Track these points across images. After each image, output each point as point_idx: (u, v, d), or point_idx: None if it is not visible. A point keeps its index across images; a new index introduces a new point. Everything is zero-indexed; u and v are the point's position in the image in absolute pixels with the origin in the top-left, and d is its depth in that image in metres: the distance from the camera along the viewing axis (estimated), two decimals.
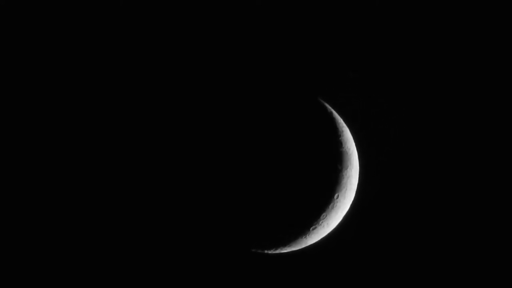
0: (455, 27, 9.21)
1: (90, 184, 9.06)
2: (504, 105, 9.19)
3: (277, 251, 7.80)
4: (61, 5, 8.94)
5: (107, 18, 9.02)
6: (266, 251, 7.84)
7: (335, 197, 7.26)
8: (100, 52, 9.05)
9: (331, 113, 7.59)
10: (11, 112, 8.98)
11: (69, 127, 9.00)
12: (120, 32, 9.04)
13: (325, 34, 9.16)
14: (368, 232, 9.24)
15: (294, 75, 8.97)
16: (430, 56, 9.27)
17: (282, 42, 9.02)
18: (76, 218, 9.08)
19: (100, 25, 9.02)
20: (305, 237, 7.48)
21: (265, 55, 9.02)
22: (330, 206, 7.26)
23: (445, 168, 9.31)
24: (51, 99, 9.01)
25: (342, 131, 7.52)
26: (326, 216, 7.31)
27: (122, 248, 9.20)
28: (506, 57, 9.19)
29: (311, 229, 7.35)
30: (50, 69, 9.04)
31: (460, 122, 9.28)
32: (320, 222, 7.34)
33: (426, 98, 9.32)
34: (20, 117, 8.98)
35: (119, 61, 9.05)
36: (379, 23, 9.22)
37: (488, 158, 9.23)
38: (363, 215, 8.89)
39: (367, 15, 9.18)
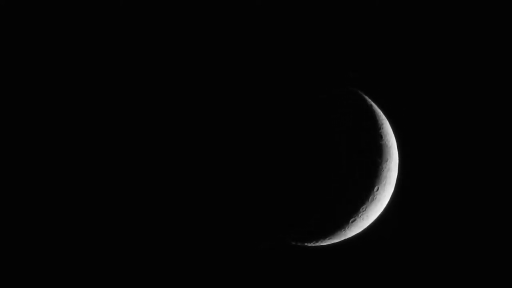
0: (454, 22, 9.15)
1: (93, 181, 9.07)
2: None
3: (317, 244, 7.85)
4: (61, 5, 8.99)
5: (106, 17, 9.05)
6: (306, 244, 7.89)
7: (375, 189, 7.28)
8: (101, 51, 9.06)
9: (371, 105, 7.61)
10: (11, 112, 9.04)
11: (71, 126, 9.01)
12: (121, 32, 9.06)
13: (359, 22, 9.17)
14: (407, 226, 9.23)
15: (335, 68, 8.99)
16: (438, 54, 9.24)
17: (314, 35, 9.04)
18: (75, 215, 9.10)
19: (99, 24, 9.04)
20: (345, 229, 7.50)
21: (303, 46, 9.05)
22: (369, 199, 7.28)
23: (485, 163, 9.26)
24: (51, 98, 9.04)
25: (382, 124, 7.53)
26: (365, 208, 7.34)
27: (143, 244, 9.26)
28: (506, 55, 9.12)
29: (350, 221, 7.38)
30: (50, 69, 9.06)
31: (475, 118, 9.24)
32: (360, 215, 7.36)
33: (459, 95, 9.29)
34: (20, 116, 9.01)
35: (122, 61, 9.06)
36: (385, 21, 9.20)
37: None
38: (403, 208, 8.89)
39: (372, 14, 9.16)
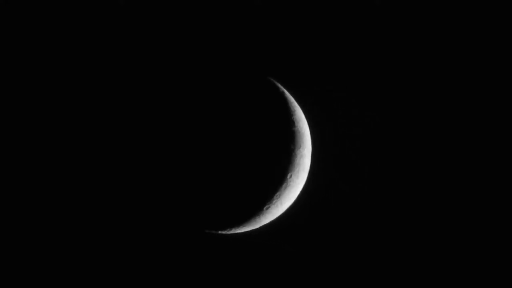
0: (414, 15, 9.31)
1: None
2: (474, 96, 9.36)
3: (231, 232, 7.81)
4: (61, 5, 8.85)
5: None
6: (220, 232, 7.83)
7: (288, 176, 7.28)
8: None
9: (283, 92, 7.60)
10: (11, 111, 8.89)
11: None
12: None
13: (276, 15, 9.16)
14: (321, 212, 9.31)
15: (245, 55, 8.95)
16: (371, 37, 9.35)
17: (231, 23, 9.00)
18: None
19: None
20: (259, 216, 7.49)
21: (214, 36, 8.99)
22: (283, 186, 7.29)
23: (395, 148, 9.42)
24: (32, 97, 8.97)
25: (294, 111, 7.54)
26: (279, 195, 7.34)
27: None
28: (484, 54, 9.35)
29: (264, 208, 7.37)
30: (39, 66, 8.97)
31: (408, 100, 9.39)
32: (274, 202, 7.36)
33: (375, 80, 9.40)
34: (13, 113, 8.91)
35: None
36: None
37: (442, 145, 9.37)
38: (316, 194, 8.96)
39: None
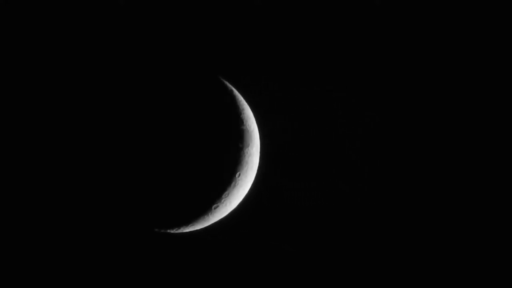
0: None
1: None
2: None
3: (180, 231, 7.78)
4: (61, 5, 8.70)
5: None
6: (169, 231, 7.80)
7: (237, 175, 7.29)
8: None
9: (232, 91, 7.60)
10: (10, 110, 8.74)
11: None
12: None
13: (276, 15, 9.16)
14: (270, 210, 9.34)
15: (195, 54, 8.93)
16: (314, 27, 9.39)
17: (178, 20, 8.98)
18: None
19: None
20: (208, 215, 7.48)
21: (213, 36, 8.98)
22: (232, 185, 7.29)
23: (345, 144, 9.51)
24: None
25: (243, 109, 7.55)
26: (228, 194, 7.34)
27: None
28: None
29: (213, 207, 7.36)
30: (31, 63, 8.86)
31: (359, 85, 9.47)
32: (222, 201, 7.36)
33: (322, 73, 9.45)
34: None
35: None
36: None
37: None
38: (265, 193, 8.98)
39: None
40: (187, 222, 7.53)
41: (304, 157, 9.40)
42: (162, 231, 7.82)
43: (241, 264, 9.23)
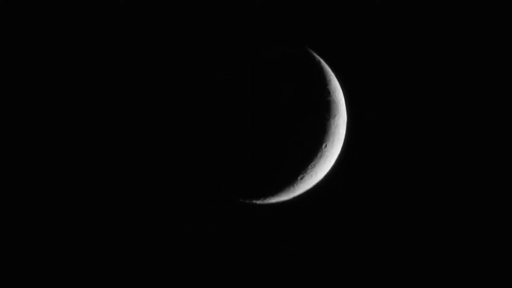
0: None
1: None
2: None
3: (265, 201, 7.84)
4: (61, 5, 8.91)
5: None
6: (254, 201, 7.87)
7: (323, 146, 7.27)
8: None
9: (319, 62, 7.56)
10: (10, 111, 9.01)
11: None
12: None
13: (276, 15, 9.11)
14: (356, 182, 9.30)
15: (281, 25, 8.92)
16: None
17: (230, 23, 8.97)
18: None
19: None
20: (293, 186, 7.51)
21: (213, 36, 9.00)
22: (318, 155, 7.28)
23: (431, 122, 9.37)
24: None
25: (330, 80, 7.51)
26: (314, 165, 7.34)
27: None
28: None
29: (299, 178, 7.38)
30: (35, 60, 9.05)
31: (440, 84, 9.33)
32: (308, 172, 7.36)
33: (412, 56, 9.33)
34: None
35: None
36: None
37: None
38: (351, 165, 8.94)
39: None
40: (273, 193, 7.58)
41: (354, 158, 9.33)
42: (247, 201, 7.91)
43: (241, 264, 9.24)
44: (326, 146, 7.32)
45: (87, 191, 9.12)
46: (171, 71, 7.57)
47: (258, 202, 7.88)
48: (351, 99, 8.05)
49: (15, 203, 9.04)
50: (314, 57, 7.56)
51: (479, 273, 9.23)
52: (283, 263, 9.27)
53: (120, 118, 8.81)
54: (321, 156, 7.33)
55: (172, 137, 7.40)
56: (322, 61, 7.62)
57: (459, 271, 9.27)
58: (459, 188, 9.29)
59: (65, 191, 9.08)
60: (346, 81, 7.93)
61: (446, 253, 9.29)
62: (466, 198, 9.28)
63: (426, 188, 9.35)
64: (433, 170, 9.32)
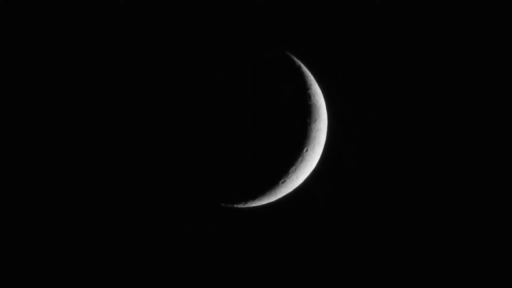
0: None
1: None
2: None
3: (247, 205, 7.84)
4: (61, 5, 8.87)
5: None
6: (235, 205, 7.87)
7: (304, 150, 7.29)
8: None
9: (300, 66, 7.58)
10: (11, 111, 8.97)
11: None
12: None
13: (276, 15, 9.13)
14: (336, 186, 9.33)
15: (262, 30, 8.92)
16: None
17: (230, 23, 8.97)
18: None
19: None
20: (275, 190, 7.52)
21: (228, 9, 8.98)
22: (299, 160, 7.30)
23: (412, 124, 9.41)
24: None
25: (311, 85, 7.52)
26: (295, 169, 7.36)
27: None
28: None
29: (280, 182, 7.39)
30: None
31: (425, 80, 9.37)
32: (289, 176, 7.38)
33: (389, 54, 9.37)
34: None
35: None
36: None
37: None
38: (332, 168, 8.97)
39: None
40: (254, 197, 7.59)
41: (354, 158, 9.37)
42: (229, 205, 7.90)
43: (241, 264, 9.26)
44: (307, 150, 7.34)
45: (87, 191, 9.11)
46: (171, 71, 7.55)
47: (239, 206, 7.88)
48: (331, 104, 8.08)
49: (15, 203, 9.04)
50: (294, 61, 7.57)
51: (479, 273, 9.28)
52: (283, 263, 9.29)
53: (120, 118, 8.79)
54: (302, 160, 7.35)
55: (171, 137, 7.37)
56: (302, 65, 7.64)
57: (456, 271, 9.31)
58: (459, 188, 9.33)
59: (65, 191, 9.07)
60: (326, 85, 7.96)
61: (445, 253, 9.33)
62: (465, 198, 9.32)
63: (422, 187, 9.38)
64: (431, 170, 9.35)
